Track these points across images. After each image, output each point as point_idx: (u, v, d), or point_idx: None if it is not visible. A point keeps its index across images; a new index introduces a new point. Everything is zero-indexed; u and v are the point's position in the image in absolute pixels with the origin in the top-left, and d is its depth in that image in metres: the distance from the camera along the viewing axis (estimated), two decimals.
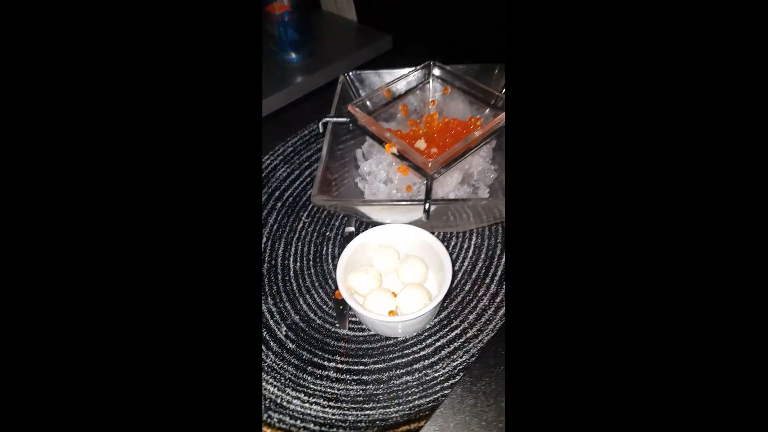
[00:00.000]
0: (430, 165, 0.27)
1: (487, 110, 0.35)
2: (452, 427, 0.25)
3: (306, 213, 0.38)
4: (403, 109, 0.34)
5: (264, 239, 0.35)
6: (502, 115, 0.30)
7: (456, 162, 0.29)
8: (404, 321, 0.27)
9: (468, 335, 0.29)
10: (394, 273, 0.31)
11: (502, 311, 0.30)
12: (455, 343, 0.28)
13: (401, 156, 0.29)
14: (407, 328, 0.28)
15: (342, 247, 0.34)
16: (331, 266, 0.34)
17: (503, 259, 0.33)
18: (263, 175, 0.40)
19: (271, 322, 0.29)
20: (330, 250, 0.35)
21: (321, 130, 0.33)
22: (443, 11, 0.63)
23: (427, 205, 0.25)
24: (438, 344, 0.28)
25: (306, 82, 0.55)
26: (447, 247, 0.34)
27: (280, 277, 0.33)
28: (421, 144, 0.29)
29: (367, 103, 0.34)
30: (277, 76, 0.55)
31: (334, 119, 0.32)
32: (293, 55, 0.56)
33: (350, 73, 0.39)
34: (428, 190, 0.26)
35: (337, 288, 0.30)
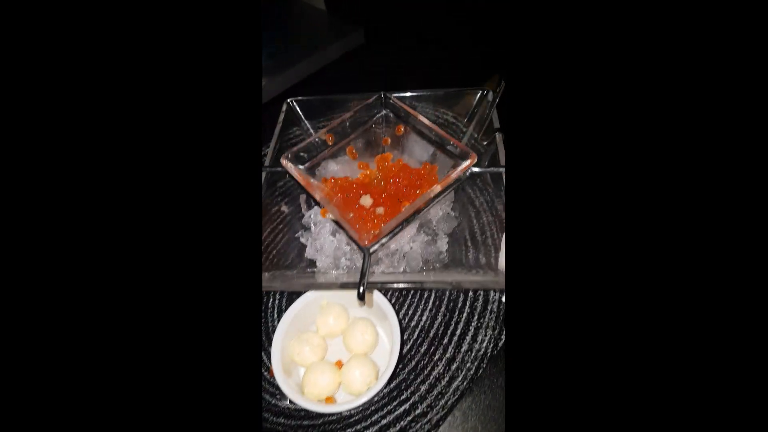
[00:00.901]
0: (366, 242, 0.23)
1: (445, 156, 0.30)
2: None
3: None
4: (350, 153, 0.30)
5: None
6: (464, 165, 0.26)
7: (398, 231, 0.25)
8: (343, 410, 0.25)
9: (417, 412, 0.26)
10: (341, 336, 0.28)
11: (456, 383, 0.27)
12: (402, 422, 0.26)
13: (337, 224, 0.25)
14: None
15: (290, 301, 0.31)
16: (276, 322, 0.31)
17: (464, 315, 0.30)
18: None
19: None
20: (276, 302, 0.32)
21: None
22: (417, 2, 0.57)
23: (361, 289, 0.22)
24: (384, 422, 0.26)
25: (266, 87, 0.50)
26: (403, 297, 0.31)
27: None
28: (366, 200, 0.26)
29: (303, 153, 0.29)
30: None
31: (270, 169, 0.28)
32: None
33: (293, 101, 0.34)
34: (363, 272, 0.22)
35: (268, 363, 0.27)
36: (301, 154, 0.29)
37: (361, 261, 0.23)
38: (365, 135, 0.31)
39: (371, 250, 0.23)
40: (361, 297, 0.21)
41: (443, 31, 0.58)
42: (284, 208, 0.31)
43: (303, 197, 0.31)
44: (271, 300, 0.32)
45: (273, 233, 0.30)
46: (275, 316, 0.31)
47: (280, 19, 0.56)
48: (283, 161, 0.27)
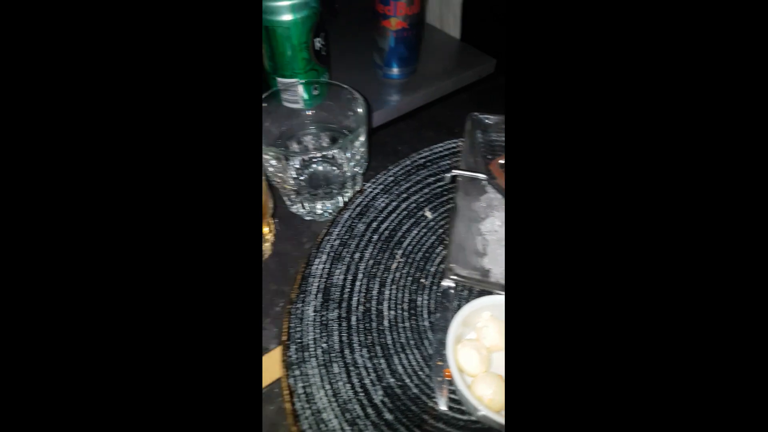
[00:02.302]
0: None
1: None
2: None
3: (401, 252, 0.35)
4: None
5: (360, 276, 0.33)
6: None
7: None
8: None
9: None
10: (502, 352, 0.27)
11: None
12: None
13: None
14: None
15: (438, 303, 0.31)
16: (426, 323, 0.31)
17: None
18: (362, 203, 0.38)
19: (367, 381, 0.27)
20: (425, 302, 0.32)
21: (450, 184, 0.30)
22: None
23: None
24: None
25: (405, 102, 0.53)
26: None
27: (374, 325, 0.30)
28: None
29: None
30: (377, 93, 0.53)
31: (467, 174, 0.29)
32: (396, 71, 0.54)
33: (475, 114, 0.36)
34: None
35: (443, 363, 0.27)
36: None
37: None
38: None
39: None
40: None
41: None
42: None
43: (479, 205, 0.32)
44: (420, 298, 0.32)
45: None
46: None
47: (421, 44, 0.59)
48: (492, 168, 0.28)
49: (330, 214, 0.40)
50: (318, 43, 0.44)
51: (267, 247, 0.36)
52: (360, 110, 0.35)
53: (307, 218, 0.40)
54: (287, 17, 0.40)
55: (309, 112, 0.42)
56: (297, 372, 0.26)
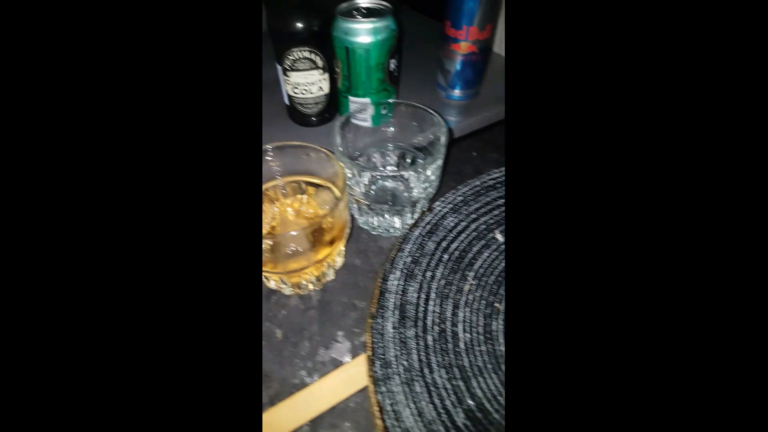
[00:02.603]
0: None
1: None
2: None
3: (473, 273, 0.35)
4: None
5: (433, 295, 0.33)
6: None
7: None
8: None
9: None
10: None
11: None
12: None
13: None
14: None
15: None
16: (502, 348, 0.30)
17: None
18: (432, 222, 0.39)
19: (448, 402, 0.27)
20: (500, 326, 0.32)
21: None
22: None
23: None
24: None
25: (466, 123, 0.53)
26: None
27: (450, 346, 0.30)
28: None
29: None
30: (440, 112, 0.54)
31: None
32: (459, 93, 0.55)
33: None
34: None
35: None
36: None
37: None
38: None
39: None
40: None
41: None
42: None
43: None
44: (495, 323, 0.32)
45: None
46: None
47: (486, 69, 0.60)
48: None
49: (395, 230, 0.41)
50: (392, 64, 0.46)
51: (340, 260, 0.37)
52: (442, 138, 0.36)
53: (374, 233, 0.41)
54: (368, 39, 0.42)
55: (384, 128, 0.43)
56: (383, 388, 0.26)
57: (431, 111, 0.39)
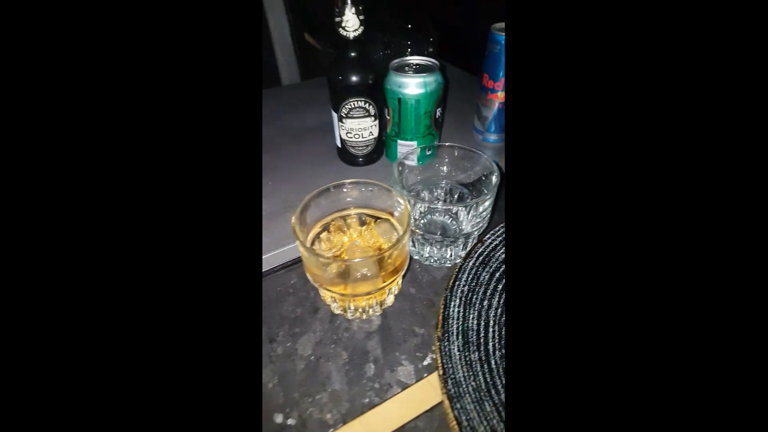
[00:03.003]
0: None
1: None
2: None
3: None
4: None
5: (491, 322, 0.35)
6: None
7: None
8: None
9: None
10: None
11: None
12: None
13: None
14: None
15: None
16: None
17: None
18: (483, 253, 0.41)
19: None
20: None
21: None
22: None
23: None
24: None
25: (502, 163, 0.57)
26: None
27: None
28: None
29: None
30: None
31: None
32: (494, 137, 0.59)
33: None
34: None
35: None
36: None
37: None
38: None
39: None
40: None
41: None
42: None
43: None
44: None
45: None
46: None
47: None
48: None
49: (447, 261, 0.43)
50: (438, 112, 0.51)
51: (397, 288, 0.39)
52: (494, 178, 0.40)
53: (425, 263, 0.44)
54: (418, 91, 0.47)
55: (432, 168, 0.47)
56: (458, 405, 0.27)
57: (480, 152, 0.42)
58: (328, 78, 0.50)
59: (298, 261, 0.43)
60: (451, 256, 0.43)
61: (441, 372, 0.29)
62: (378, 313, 0.38)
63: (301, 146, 0.60)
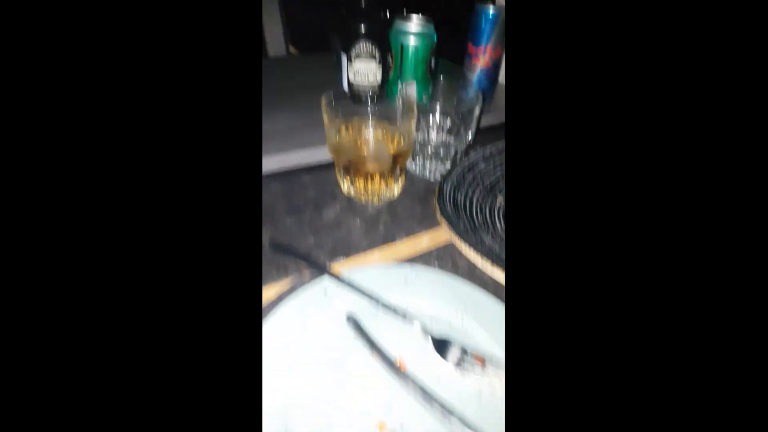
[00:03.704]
0: None
1: None
2: None
3: (502, 194, 0.46)
4: None
5: (476, 201, 0.44)
6: None
7: None
8: None
9: None
10: None
11: None
12: None
13: None
14: None
15: None
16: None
17: None
18: (469, 164, 0.50)
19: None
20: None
21: None
22: None
23: None
24: None
25: (484, 120, 0.68)
26: None
27: (490, 226, 0.40)
28: None
29: None
30: (468, 122, 0.68)
31: None
32: None
33: None
34: None
35: None
36: None
37: None
38: None
39: None
40: None
41: None
42: None
43: None
44: None
45: None
46: None
47: (497, 80, 0.77)
48: None
49: (439, 172, 0.52)
50: (432, 61, 0.61)
51: (400, 184, 0.48)
52: (476, 109, 0.50)
53: (418, 175, 0.52)
54: (418, 40, 0.57)
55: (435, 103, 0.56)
56: (466, 238, 0.36)
57: (469, 82, 0.52)
58: (340, 25, 0.58)
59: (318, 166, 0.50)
60: (443, 170, 0.52)
61: (444, 222, 0.38)
62: (385, 200, 0.46)
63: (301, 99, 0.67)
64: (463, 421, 0.23)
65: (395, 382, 0.25)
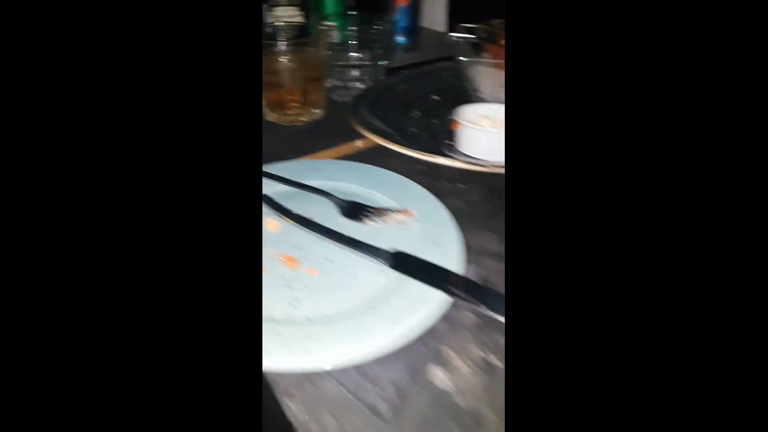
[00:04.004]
0: None
1: None
2: None
3: (436, 94, 0.50)
4: None
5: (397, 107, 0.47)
6: None
7: None
8: None
9: None
10: None
11: None
12: None
13: None
14: None
15: None
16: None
17: None
18: (383, 85, 0.54)
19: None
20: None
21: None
22: None
23: None
24: None
25: (408, 58, 0.72)
26: None
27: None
28: None
29: None
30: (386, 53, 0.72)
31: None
32: (402, 38, 0.74)
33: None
34: None
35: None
36: None
37: None
38: None
39: None
40: None
41: None
42: None
43: None
44: None
45: None
46: None
47: (418, 23, 0.80)
48: None
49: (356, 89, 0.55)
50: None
51: (321, 110, 0.51)
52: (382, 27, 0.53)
53: (334, 98, 0.55)
54: None
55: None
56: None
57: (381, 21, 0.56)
58: None
59: None
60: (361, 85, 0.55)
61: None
62: (308, 120, 0.49)
63: None
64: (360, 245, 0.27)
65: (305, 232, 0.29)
